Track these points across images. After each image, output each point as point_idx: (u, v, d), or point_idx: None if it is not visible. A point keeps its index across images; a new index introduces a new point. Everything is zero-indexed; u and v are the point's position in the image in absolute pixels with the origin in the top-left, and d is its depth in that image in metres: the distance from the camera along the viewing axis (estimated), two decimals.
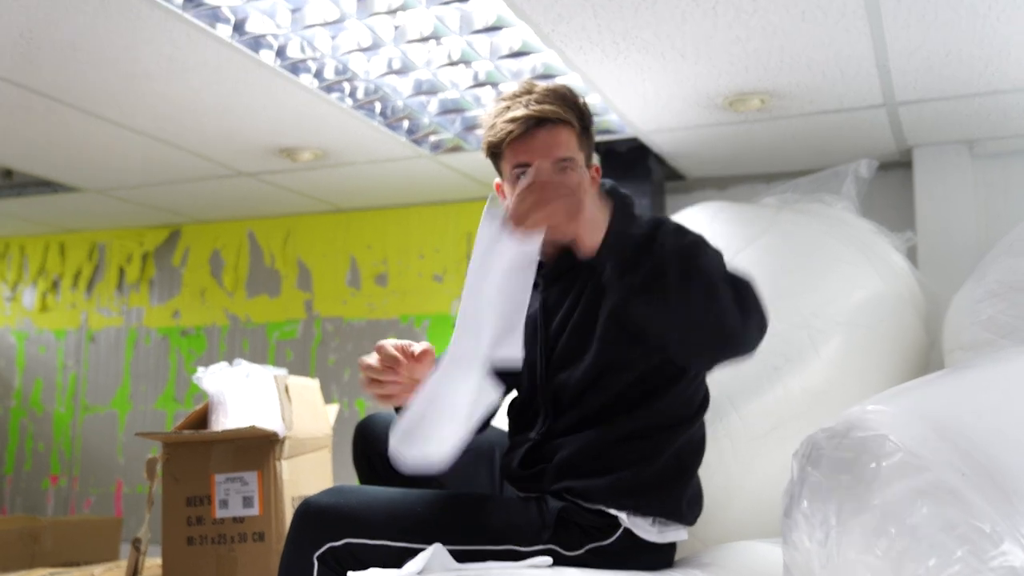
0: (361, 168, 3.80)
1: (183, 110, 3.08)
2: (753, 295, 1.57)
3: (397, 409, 1.77)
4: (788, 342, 2.32)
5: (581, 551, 1.77)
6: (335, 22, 2.53)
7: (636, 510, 1.79)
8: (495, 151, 1.84)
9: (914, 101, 2.94)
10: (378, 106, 3.15)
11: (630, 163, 3.54)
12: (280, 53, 2.68)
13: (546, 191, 1.43)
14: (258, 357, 4.59)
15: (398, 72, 2.87)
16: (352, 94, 3.02)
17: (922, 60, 2.62)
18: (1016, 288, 2.19)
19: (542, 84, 1.85)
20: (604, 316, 1.80)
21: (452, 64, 2.81)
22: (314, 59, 2.73)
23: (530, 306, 1.92)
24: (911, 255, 2.94)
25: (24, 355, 5.14)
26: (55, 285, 5.14)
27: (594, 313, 1.81)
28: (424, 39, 2.63)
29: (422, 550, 1.63)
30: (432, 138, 3.46)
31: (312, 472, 2.25)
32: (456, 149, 3.56)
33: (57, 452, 4.97)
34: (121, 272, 5.02)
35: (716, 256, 1.59)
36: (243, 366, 2.35)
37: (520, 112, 1.78)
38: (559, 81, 2.50)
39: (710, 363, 1.77)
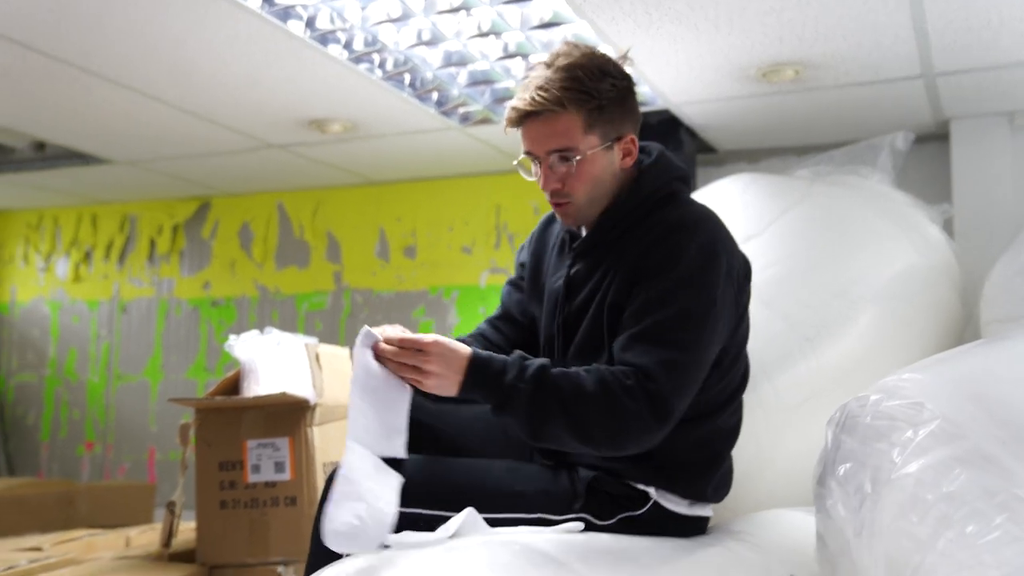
0: (390, 140, 3.80)
1: (212, 81, 3.09)
2: (596, 421, 1.62)
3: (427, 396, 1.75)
4: (822, 313, 2.31)
5: (612, 520, 1.77)
6: None
7: (662, 488, 1.79)
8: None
9: (953, 72, 2.89)
10: (407, 77, 3.14)
11: (661, 135, 3.51)
12: (309, 24, 2.67)
13: (419, 359, 1.63)
14: (288, 328, 4.61)
15: (428, 43, 2.86)
16: (381, 65, 3.02)
17: (963, 29, 2.57)
18: None
19: (568, 55, 1.77)
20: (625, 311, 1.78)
21: (482, 35, 2.79)
22: (343, 30, 2.72)
23: (556, 278, 1.92)
24: (947, 228, 2.90)
25: (58, 325, 5.21)
26: (87, 256, 5.19)
27: (615, 305, 1.78)
28: (454, 10, 2.61)
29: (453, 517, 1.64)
30: (461, 110, 3.45)
31: (342, 439, 2.26)
32: (485, 121, 3.55)
33: (91, 420, 5.04)
34: (152, 244, 5.06)
35: (554, 408, 1.62)
36: (274, 334, 2.37)
37: (517, 102, 1.77)
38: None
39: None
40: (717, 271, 1.72)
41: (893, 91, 3.06)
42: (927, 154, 3.51)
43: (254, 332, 2.36)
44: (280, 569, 2.24)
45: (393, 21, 2.69)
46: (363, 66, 2.98)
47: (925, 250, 2.53)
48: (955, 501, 1.22)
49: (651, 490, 1.78)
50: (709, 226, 1.79)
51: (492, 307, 4.29)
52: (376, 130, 3.65)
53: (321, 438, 2.28)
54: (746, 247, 2.49)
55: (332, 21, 2.67)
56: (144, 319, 5.03)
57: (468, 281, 4.39)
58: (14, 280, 5.34)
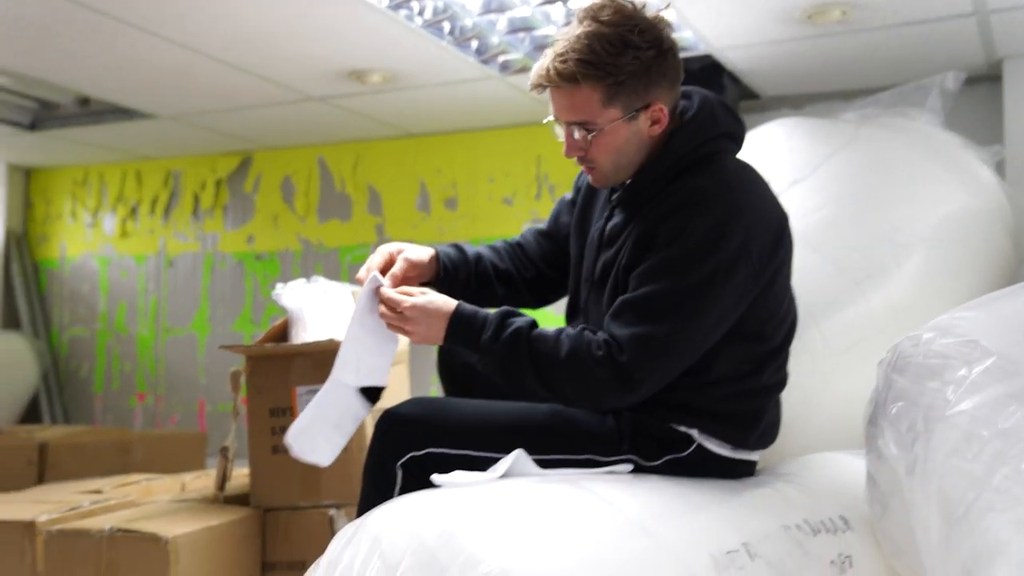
0: (430, 91, 3.79)
1: (251, 32, 3.09)
2: (567, 385, 1.71)
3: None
4: (870, 257, 2.28)
5: (659, 462, 1.78)
6: None
7: (705, 432, 1.79)
8: None
9: (1008, 8, 2.81)
10: (447, 26, 3.12)
11: (703, 82, 3.46)
12: None
13: (401, 319, 1.77)
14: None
15: None
16: (421, 13, 3.00)
17: None
18: None
19: (594, 18, 1.73)
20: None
21: None
22: None
23: (596, 226, 1.91)
24: (999, 170, 2.83)
25: (107, 280, 5.30)
26: (133, 212, 5.27)
27: (628, 267, 1.77)
28: None
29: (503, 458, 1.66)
30: (501, 58, 3.42)
31: (390, 386, 2.29)
32: (525, 70, 3.52)
33: (142, 372, 5.14)
34: (196, 199, 5.11)
35: (527, 369, 1.72)
36: (320, 282, 2.39)
37: (537, 70, 1.75)
38: None
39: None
40: (724, 250, 1.68)
41: (944, 30, 2.98)
42: (978, 95, 3.43)
43: (300, 281, 2.38)
44: (331, 512, 2.29)
45: None
46: (402, 13, 2.96)
47: (976, 192, 2.48)
48: (1011, 438, 1.21)
49: (694, 432, 1.79)
50: (728, 200, 1.73)
51: None
52: (415, 80, 3.64)
53: None
54: (792, 192, 2.47)
55: None
56: (190, 273, 5.10)
57: (509, 232, 4.37)
58: (63, 236, 5.43)
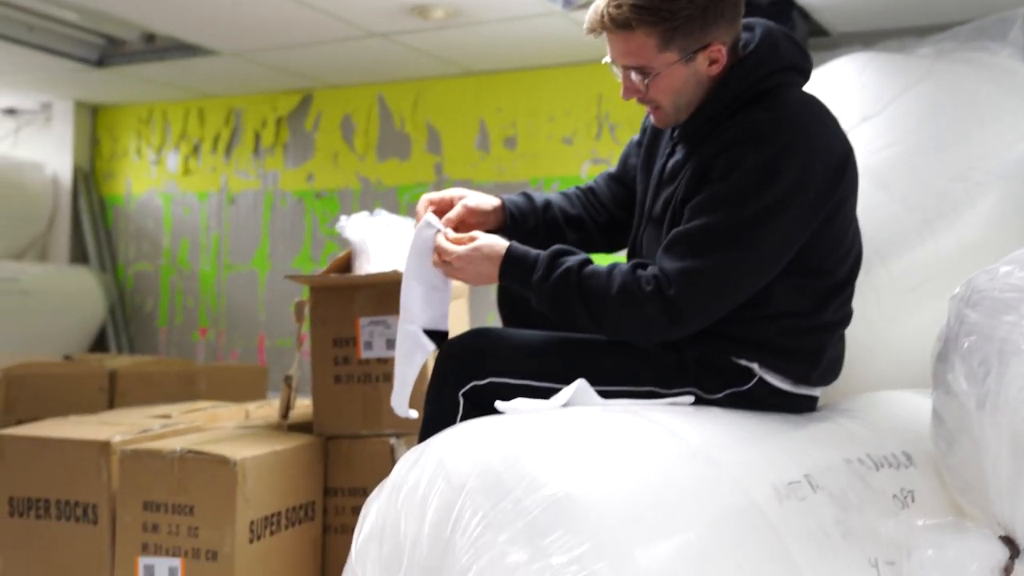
0: (492, 27, 3.76)
1: None
2: (617, 322, 1.71)
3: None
4: (942, 195, 2.22)
5: (720, 395, 1.78)
6: None
7: (766, 366, 1.78)
8: None
9: None
10: None
11: (772, 18, 3.35)
12: None
13: (451, 268, 1.79)
14: None
15: None
16: None
17: None
18: None
19: None
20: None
21: None
22: None
23: (660, 162, 1.90)
24: None
25: (171, 216, 5.40)
26: (196, 149, 5.34)
27: (684, 200, 1.76)
28: None
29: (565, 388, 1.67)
30: None
31: (451, 319, 2.31)
32: (587, 5, 3.44)
33: (204, 307, 5.26)
34: (257, 137, 5.16)
35: (578, 307, 1.72)
36: (383, 215, 2.40)
37: (591, 14, 1.73)
38: None
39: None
40: (778, 185, 1.65)
41: None
42: None
43: (364, 214, 2.40)
44: (392, 441, 2.33)
45: None
46: None
47: None
48: None
49: (755, 366, 1.78)
50: (786, 134, 1.70)
51: None
52: (478, 16, 3.61)
53: None
54: (862, 128, 2.41)
55: None
56: (251, 211, 5.17)
57: (569, 172, 4.37)
58: (128, 173, 5.53)
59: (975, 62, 2.53)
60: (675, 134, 1.88)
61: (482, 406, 1.71)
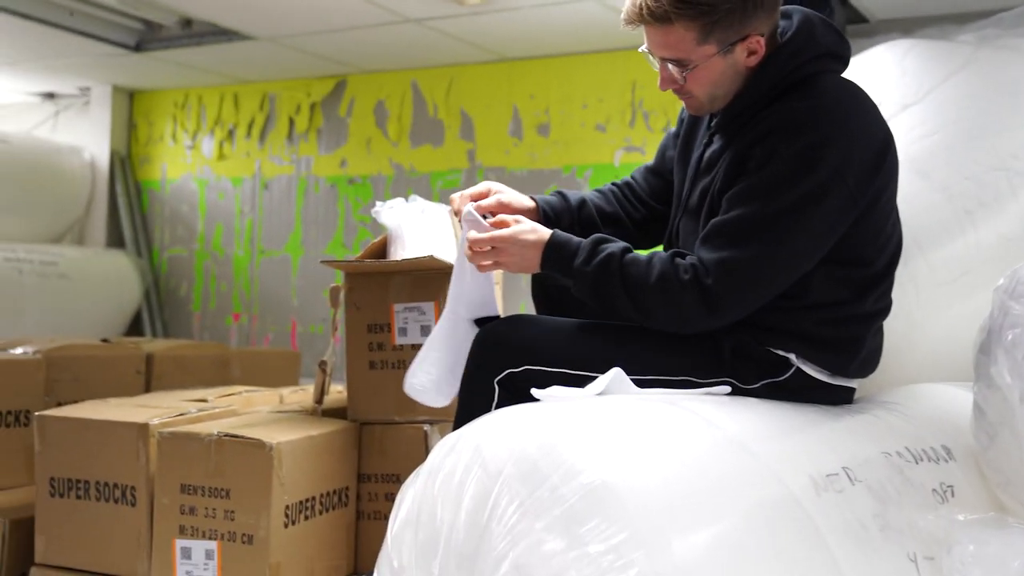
0: (527, 13, 3.74)
1: None
2: (656, 310, 1.71)
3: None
4: (983, 185, 2.19)
5: (757, 385, 1.77)
6: None
7: (803, 356, 1.77)
8: None
9: None
10: None
11: (810, 5, 3.32)
12: None
13: (495, 252, 1.78)
14: None
15: None
16: None
17: None
18: None
19: None
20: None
21: None
22: None
23: (697, 152, 1.89)
24: None
25: (205, 201, 5.45)
26: (231, 134, 5.37)
27: (721, 191, 1.75)
28: None
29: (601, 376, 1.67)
30: None
31: None
32: None
33: (238, 292, 5.30)
34: (291, 122, 5.19)
35: (618, 295, 1.72)
36: (419, 202, 2.40)
37: (629, 6, 1.71)
38: None
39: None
40: (815, 175, 1.65)
41: None
42: None
43: (399, 200, 2.40)
44: (426, 427, 2.33)
45: None
46: None
47: None
48: None
49: (792, 356, 1.77)
50: (823, 123, 1.68)
51: None
52: (512, 2, 3.60)
53: None
54: (902, 116, 2.37)
55: None
56: (284, 196, 5.20)
57: (602, 159, 4.36)
58: (164, 158, 5.58)
59: (1019, 49, 2.49)
60: (712, 123, 1.87)
61: (517, 393, 1.72)
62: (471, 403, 1.77)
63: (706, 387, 1.73)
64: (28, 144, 5.36)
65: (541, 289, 2.06)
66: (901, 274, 1.93)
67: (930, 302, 2.16)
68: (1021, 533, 1.43)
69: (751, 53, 1.74)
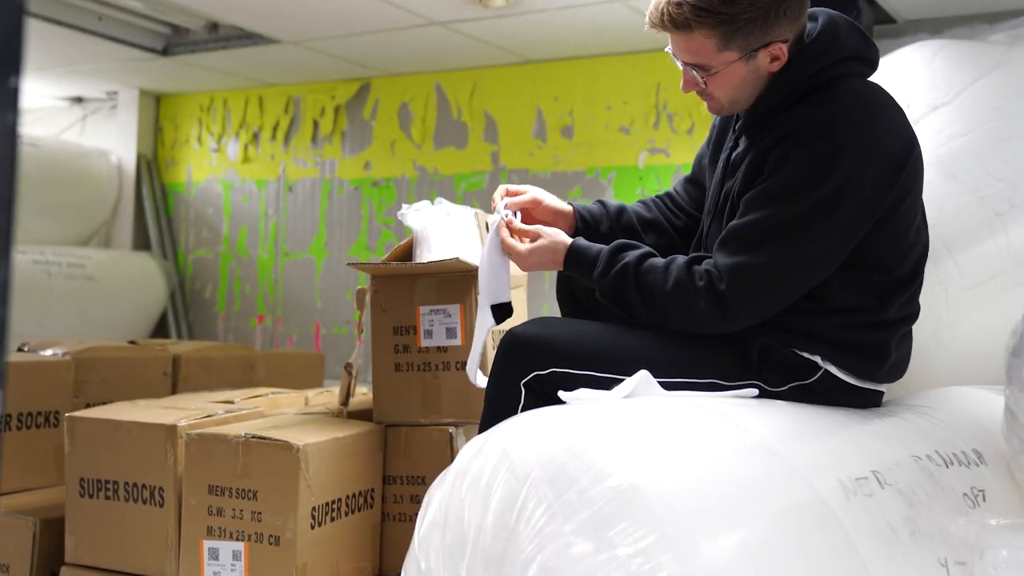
0: (551, 15, 3.74)
1: None
2: (673, 315, 1.74)
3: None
4: (1015, 187, 2.17)
5: (784, 388, 1.76)
6: None
7: (829, 359, 1.76)
8: None
9: None
10: None
11: (837, 5, 3.30)
12: None
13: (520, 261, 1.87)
14: None
15: None
16: None
17: None
18: None
19: None
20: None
21: None
22: None
23: (724, 155, 1.89)
24: None
25: (230, 204, 5.48)
26: (255, 137, 5.40)
27: (740, 194, 1.76)
28: None
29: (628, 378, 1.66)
30: None
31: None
32: None
33: (262, 294, 5.33)
34: (315, 125, 5.21)
35: (635, 301, 1.76)
36: (444, 204, 2.40)
37: (652, 11, 1.72)
38: None
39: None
40: (830, 182, 1.63)
41: None
42: None
43: (424, 202, 2.40)
44: (451, 430, 2.34)
45: None
46: None
47: None
48: None
49: (818, 359, 1.76)
50: (840, 129, 1.67)
51: (649, 188, 4.25)
52: (537, 4, 3.60)
53: None
54: (931, 117, 2.36)
55: None
56: (308, 199, 5.23)
57: (626, 161, 4.35)
58: (190, 161, 5.62)
59: None
60: (738, 125, 1.86)
61: (543, 396, 1.72)
62: (497, 405, 1.77)
63: (733, 390, 1.72)
64: (56, 148, 5.42)
65: (566, 290, 2.07)
66: (930, 276, 1.91)
67: (960, 305, 2.14)
68: None
69: (774, 59, 1.73)
